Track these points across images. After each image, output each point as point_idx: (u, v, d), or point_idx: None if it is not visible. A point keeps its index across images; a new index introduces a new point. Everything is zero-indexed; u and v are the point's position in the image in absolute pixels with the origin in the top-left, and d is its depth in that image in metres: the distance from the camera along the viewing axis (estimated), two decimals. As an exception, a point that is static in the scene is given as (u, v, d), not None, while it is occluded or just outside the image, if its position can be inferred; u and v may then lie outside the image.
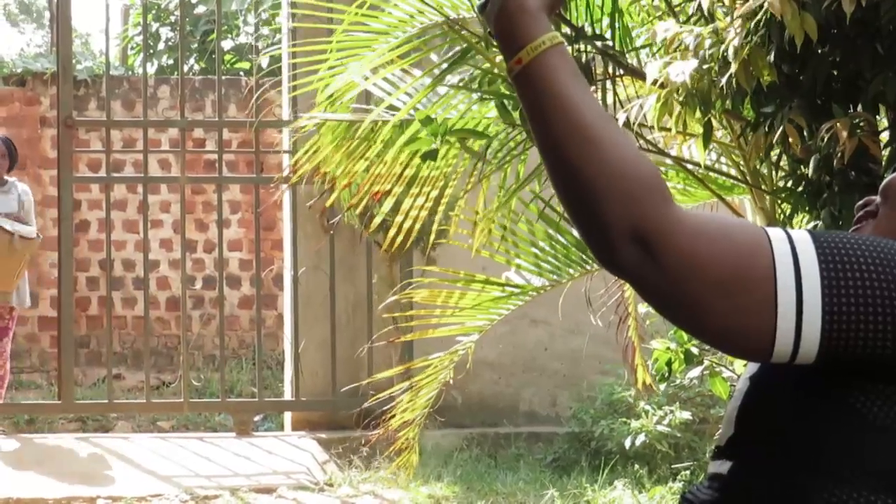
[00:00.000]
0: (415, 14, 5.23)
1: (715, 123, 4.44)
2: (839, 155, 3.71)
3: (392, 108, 5.32)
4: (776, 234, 1.52)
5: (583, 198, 1.52)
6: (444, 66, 5.08)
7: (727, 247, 1.49)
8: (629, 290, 6.08)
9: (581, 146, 1.52)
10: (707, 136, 4.12)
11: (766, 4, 3.66)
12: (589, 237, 1.53)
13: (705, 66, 3.93)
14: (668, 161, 5.26)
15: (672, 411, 8.25)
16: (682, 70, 3.93)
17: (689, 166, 5.13)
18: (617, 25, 4.90)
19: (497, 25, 1.60)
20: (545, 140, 1.55)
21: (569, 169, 1.53)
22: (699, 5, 4.09)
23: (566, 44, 1.59)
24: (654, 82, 4.08)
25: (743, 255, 1.49)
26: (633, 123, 4.20)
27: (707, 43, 3.91)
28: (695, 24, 4.20)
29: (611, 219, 1.49)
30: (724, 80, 3.87)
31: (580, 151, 1.51)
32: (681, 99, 3.99)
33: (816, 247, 1.50)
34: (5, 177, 9.21)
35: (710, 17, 4.14)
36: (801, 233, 1.53)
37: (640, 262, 1.49)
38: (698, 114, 4.04)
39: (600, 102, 1.61)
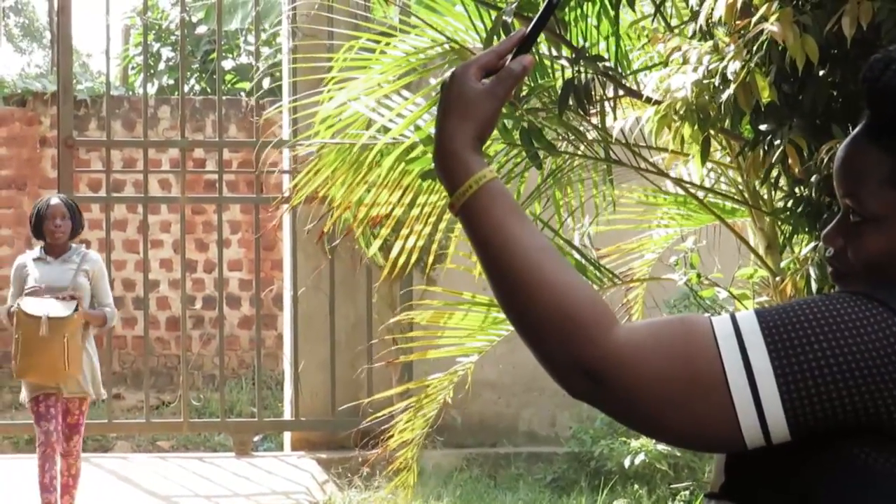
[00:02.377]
0: (412, 50, 5.24)
1: (714, 144, 4.45)
2: (839, 175, 3.70)
3: (390, 131, 5.32)
4: (722, 327, 1.51)
5: (527, 336, 1.55)
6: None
7: (672, 361, 1.49)
8: (636, 314, 6.08)
9: (515, 288, 1.55)
10: (705, 152, 4.12)
11: (766, 29, 3.67)
12: (544, 367, 1.56)
13: (705, 81, 3.94)
14: (669, 185, 5.27)
15: (672, 431, 8.23)
16: (684, 82, 3.94)
17: (690, 189, 5.14)
18: (615, 48, 4.92)
19: (436, 168, 1.64)
20: (488, 278, 1.59)
21: (507, 309, 1.57)
22: (698, 24, 4.10)
23: (498, 178, 1.60)
24: (649, 100, 4.09)
25: (689, 365, 1.49)
26: (631, 139, 4.21)
27: (706, 59, 3.92)
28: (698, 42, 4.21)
29: (555, 356, 1.53)
30: (723, 98, 3.88)
31: (515, 293, 1.55)
32: (681, 112, 3.99)
33: (764, 332, 1.49)
34: (71, 244, 7.50)
35: (710, 35, 4.15)
36: (748, 318, 1.51)
37: (592, 391, 1.52)
38: (697, 130, 4.05)
39: (538, 232, 1.60)
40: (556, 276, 1.54)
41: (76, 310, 7.24)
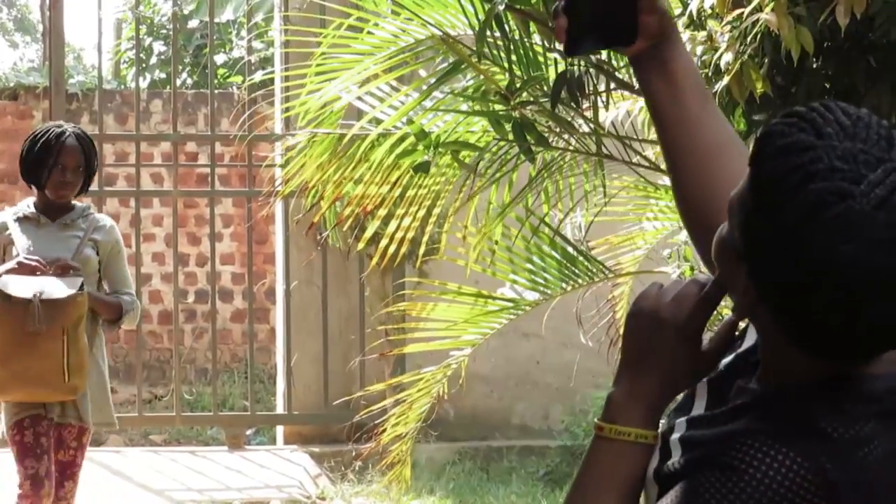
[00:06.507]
0: (399, 34, 5.22)
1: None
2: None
3: (381, 121, 5.30)
4: None
5: None
6: (435, 79, 5.08)
7: None
8: (620, 311, 6.07)
9: None
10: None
11: (761, 19, 3.67)
12: None
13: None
14: (661, 179, 5.26)
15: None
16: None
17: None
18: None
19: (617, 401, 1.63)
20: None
21: None
22: (690, 14, 4.09)
23: (651, 448, 1.61)
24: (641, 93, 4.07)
25: None
26: (623, 132, 4.20)
27: (699, 50, 3.91)
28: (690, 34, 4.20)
29: None
30: (716, 89, 3.87)
31: None
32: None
33: None
34: (74, 201, 5.39)
35: (702, 26, 4.14)
36: None
37: None
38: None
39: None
40: None
41: (81, 288, 5.04)
